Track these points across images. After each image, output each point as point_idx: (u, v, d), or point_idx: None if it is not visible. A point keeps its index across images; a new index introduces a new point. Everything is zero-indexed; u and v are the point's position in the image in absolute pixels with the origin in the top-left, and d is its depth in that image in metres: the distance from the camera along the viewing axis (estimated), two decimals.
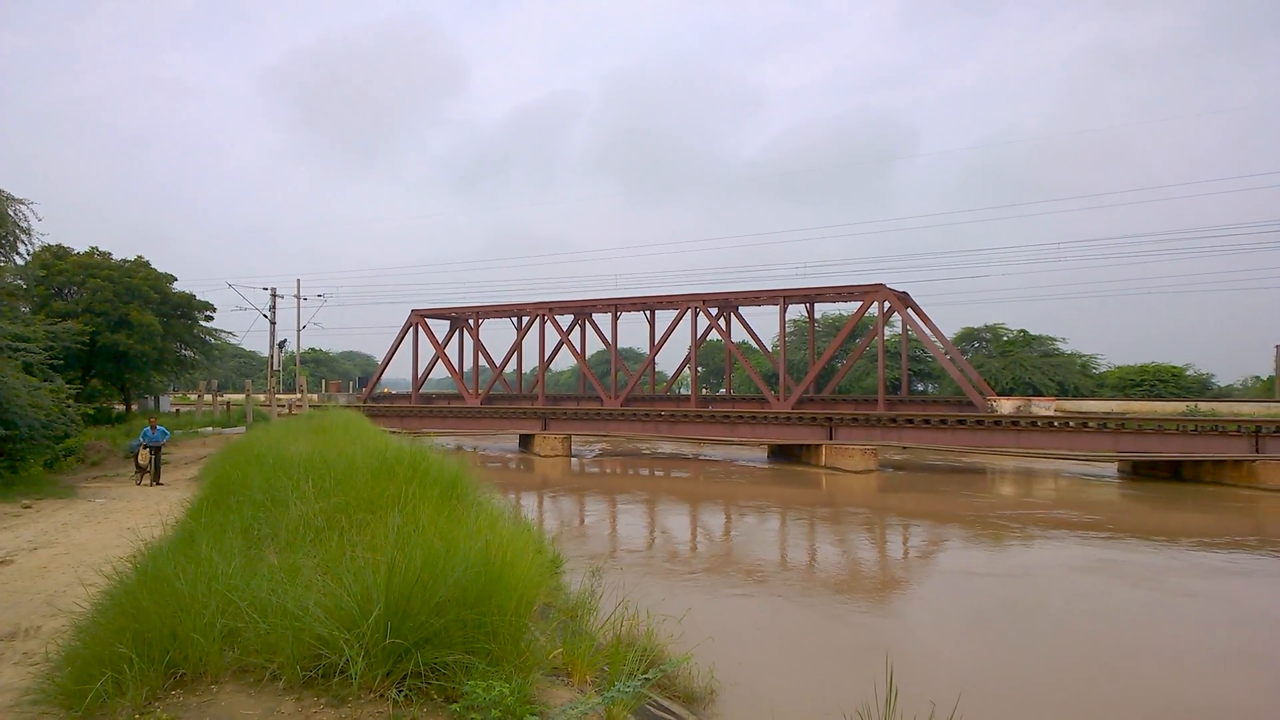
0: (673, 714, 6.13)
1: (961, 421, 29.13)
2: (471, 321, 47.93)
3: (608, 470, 31.09)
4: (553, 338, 45.96)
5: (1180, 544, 16.07)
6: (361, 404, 42.30)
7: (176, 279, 34.40)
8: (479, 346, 47.23)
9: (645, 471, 30.43)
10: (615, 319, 43.62)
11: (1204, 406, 32.45)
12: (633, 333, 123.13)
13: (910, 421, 29.79)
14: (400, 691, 4.47)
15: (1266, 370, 43.23)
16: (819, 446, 29.97)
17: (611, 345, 43.85)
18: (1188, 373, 46.35)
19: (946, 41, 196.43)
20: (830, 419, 30.83)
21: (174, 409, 38.78)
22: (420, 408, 41.65)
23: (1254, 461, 23.72)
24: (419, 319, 47.00)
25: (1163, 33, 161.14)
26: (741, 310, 45.30)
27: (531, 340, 48.24)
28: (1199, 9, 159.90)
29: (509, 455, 35.38)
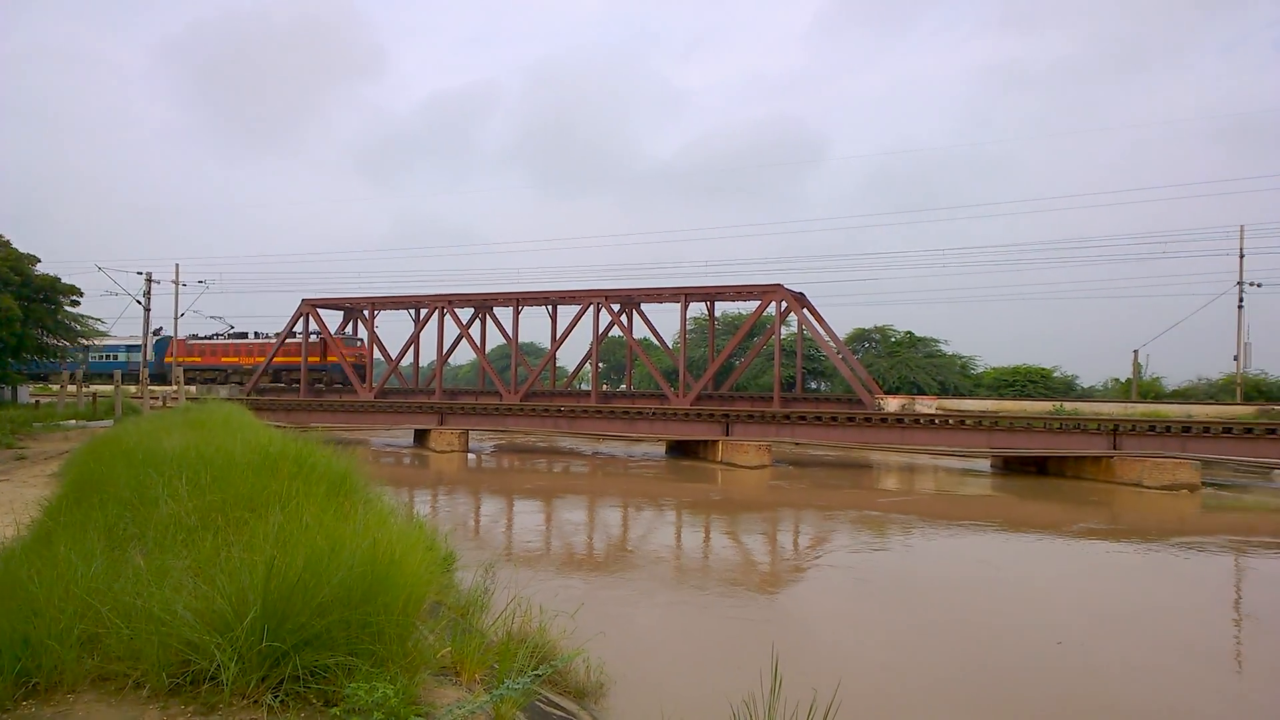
0: (563, 709, 6.12)
1: (851, 419, 30.12)
2: (367, 312, 46.59)
3: (505, 466, 30.79)
4: (452, 331, 45.14)
5: (1048, 533, 17.05)
6: (245, 397, 40.55)
7: (40, 260, 32.17)
8: (374, 338, 45.95)
9: (544, 467, 30.27)
10: (517, 313, 43.18)
11: (1069, 406, 34.47)
12: (535, 328, 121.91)
13: (803, 419, 30.61)
14: (276, 696, 4.30)
15: (1125, 373, 46.29)
16: (716, 442, 30.45)
17: (512, 340, 43.40)
18: (1055, 374, 49.19)
19: (855, 51, 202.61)
20: (727, 416, 31.37)
21: (33, 400, 36.22)
22: (309, 401, 40.24)
23: (1112, 458, 25.37)
24: (310, 309, 45.37)
25: (1053, 54, 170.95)
26: (644, 307, 45.51)
27: (430, 333, 47.40)
28: (1087, 33, 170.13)
29: (404, 450, 34.59)
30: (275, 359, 47.09)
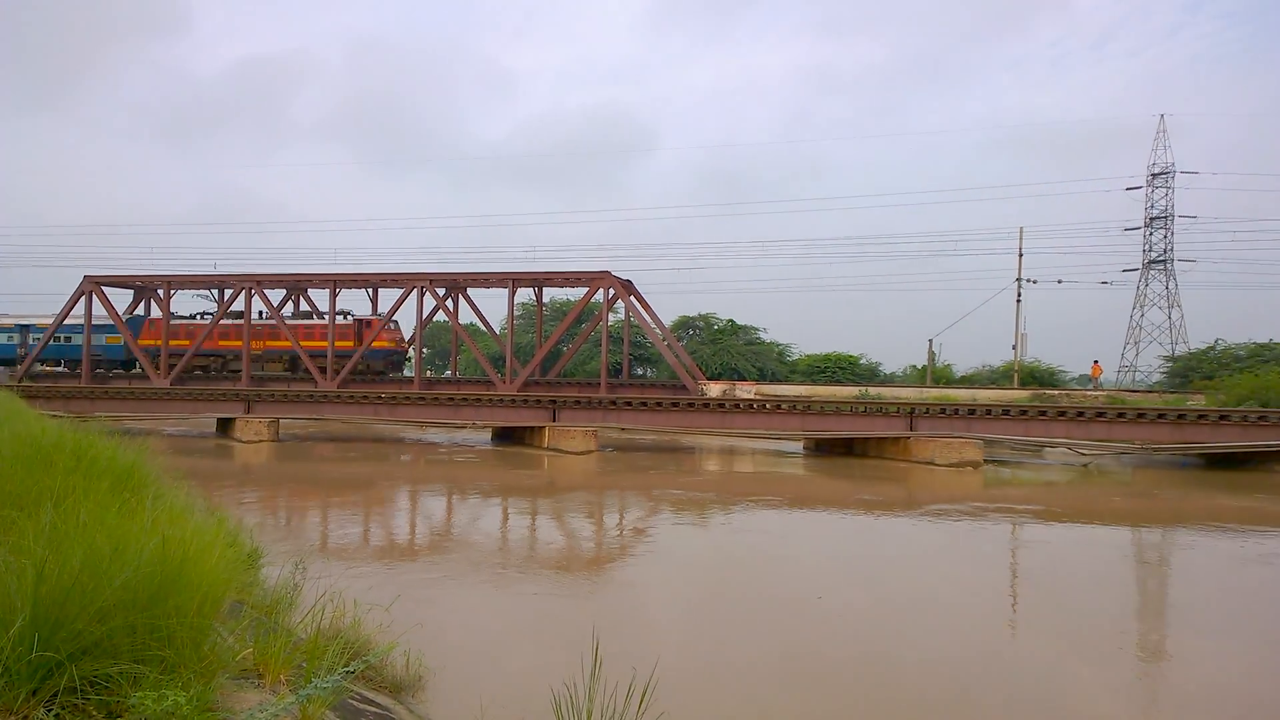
0: (377, 705, 5.93)
1: (675, 404, 30.96)
2: (161, 292, 42.98)
3: (321, 456, 29.39)
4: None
5: (851, 509, 18.27)
6: (16, 384, 36.42)
7: None
8: (168, 320, 42.46)
9: (362, 456, 29.15)
10: (334, 295, 41.18)
11: (873, 391, 37.01)
12: (356, 312, 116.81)
13: (629, 404, 31.15)
14: (50, 710, 3.91)
15: (922, 360, 50.19)
16: (542, 429, 30.41)
17: (329, 323, 41.38)
18: (861, 361, 52.68)
19: (685, 43, 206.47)
20: (554, 401, 31.39)
21: None
22: (92, 388, 36.71)
23: (909, 438, 27.50)
24: (93, 286, 41.34)
25: (864, 60, 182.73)
26: (471, 292, 44.69)
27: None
28: (893, 42, 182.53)
29: (206, 441, 32.26)
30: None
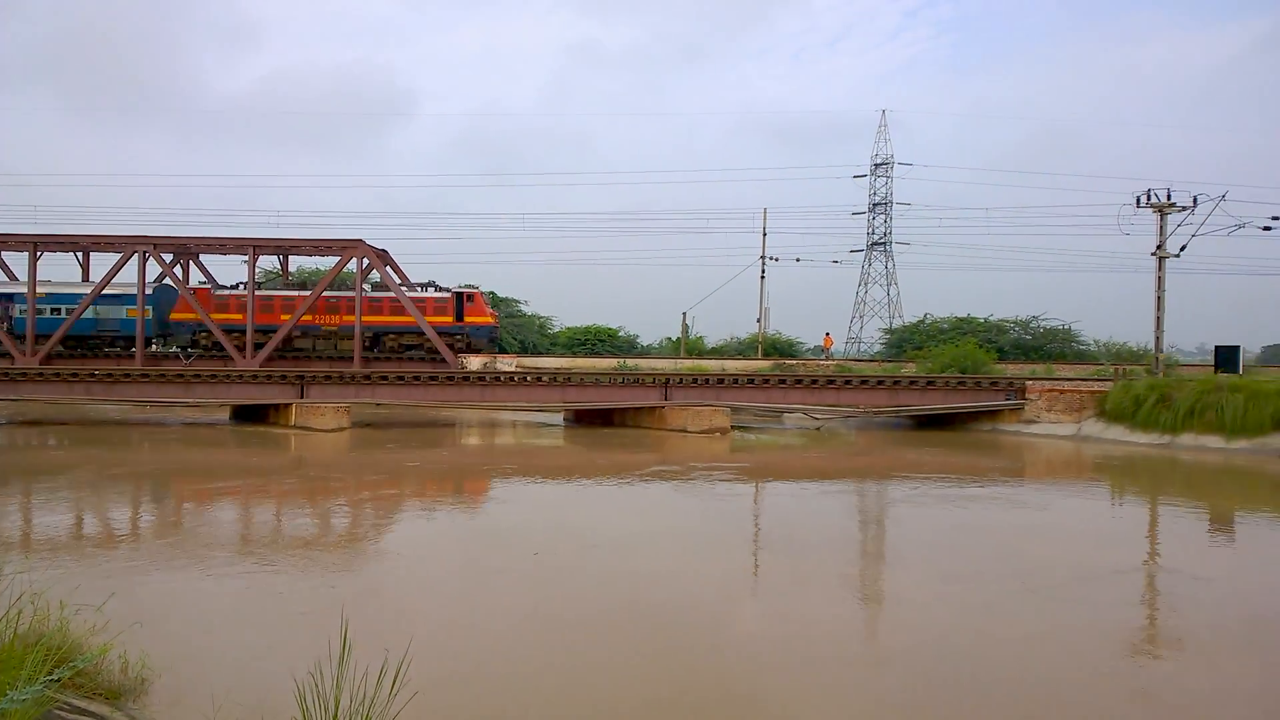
0: (90, 714, 5.36)
1: (434, 378, 30.27)
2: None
3: (21, 443, 25.77)
4: None
5: (610, 476, 18.87)
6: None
7: None
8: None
9: (71, 441, 25.89)
10: (34, 259, 36.02)
11: (630, 363, 38.26)
12: (68, 277, 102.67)
13: (385, 379, 30.03)
14: None
15: (677, 333, 52.55)
16: (289, 406, 28.54)
17: (30, 290, 36.18)
18: (620, 334, 54.24)
19: (448, 4, 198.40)
20: (302, 377, 29.58)
21: None
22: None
23: (664, 407, 28.77)
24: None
25: (626, 38, 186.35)
26: (205, 259, 40.96)
27: None
28: (653, 24, 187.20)
29: None
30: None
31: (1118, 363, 37.63)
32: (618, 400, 29.70)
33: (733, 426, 28.50)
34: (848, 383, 30.49)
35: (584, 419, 30.83)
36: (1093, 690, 6.90)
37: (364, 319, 38.72)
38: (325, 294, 39.67)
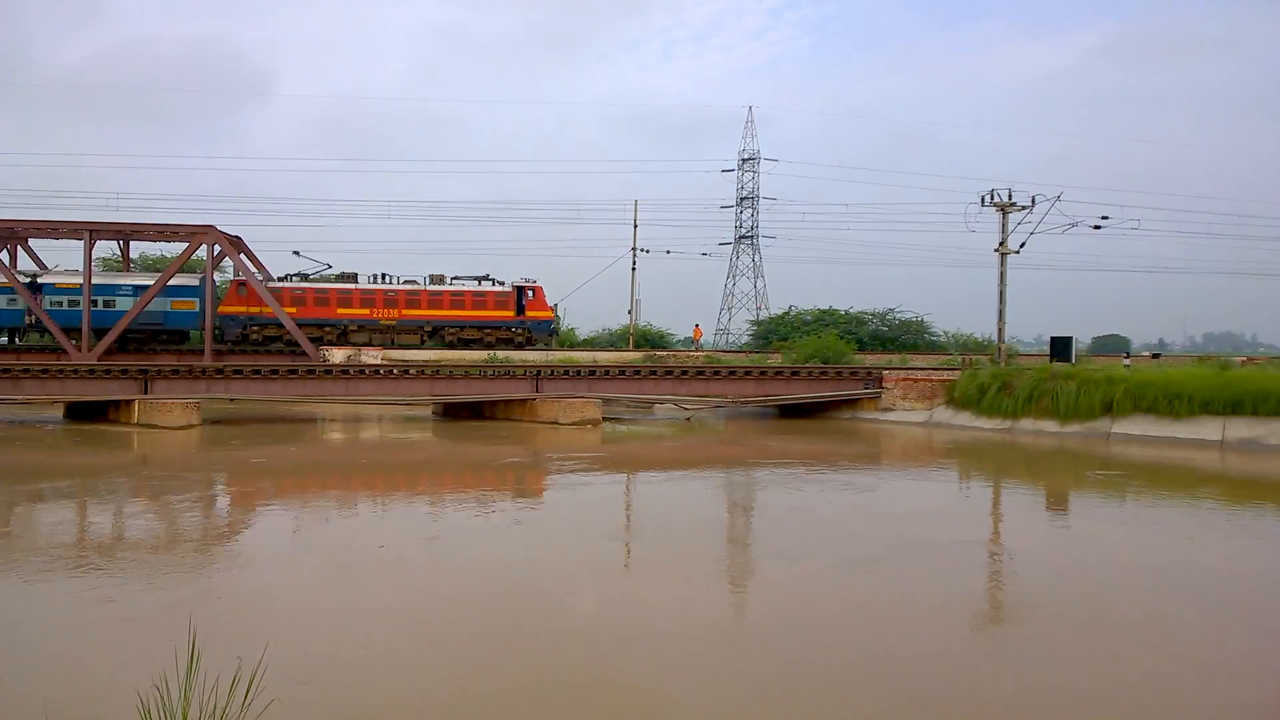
0: None
1: (294, 371, 28.94)
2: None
3: None
4: None
5: (478, 469, 18.59)
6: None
7: None
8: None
9: None
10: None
11: (501, 355, 37.77)
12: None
13: (239, 372, 28.51)
14: None
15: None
16: (132, 402, 26.64)
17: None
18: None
19: None
20: (146, 371, 27.67)
21: None
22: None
23: (535, 399, 28.57)
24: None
25: (495, 26, 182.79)
26: (35, 244, 37.76)
27: None
28: (523, 15, 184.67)
29: None
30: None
31: (965, 353, 40.04)
32: (488, 393, 29.28)
33: (604, 418, 28.61)
34: (716, 374, 31.16)
35: (454, 413, 30.21)
36: (915, 655, 7.32)
37: (424, 312, 39.75)
38: (383, 288, 39.58)
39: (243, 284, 38.27)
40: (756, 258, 65.46)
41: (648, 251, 52.15)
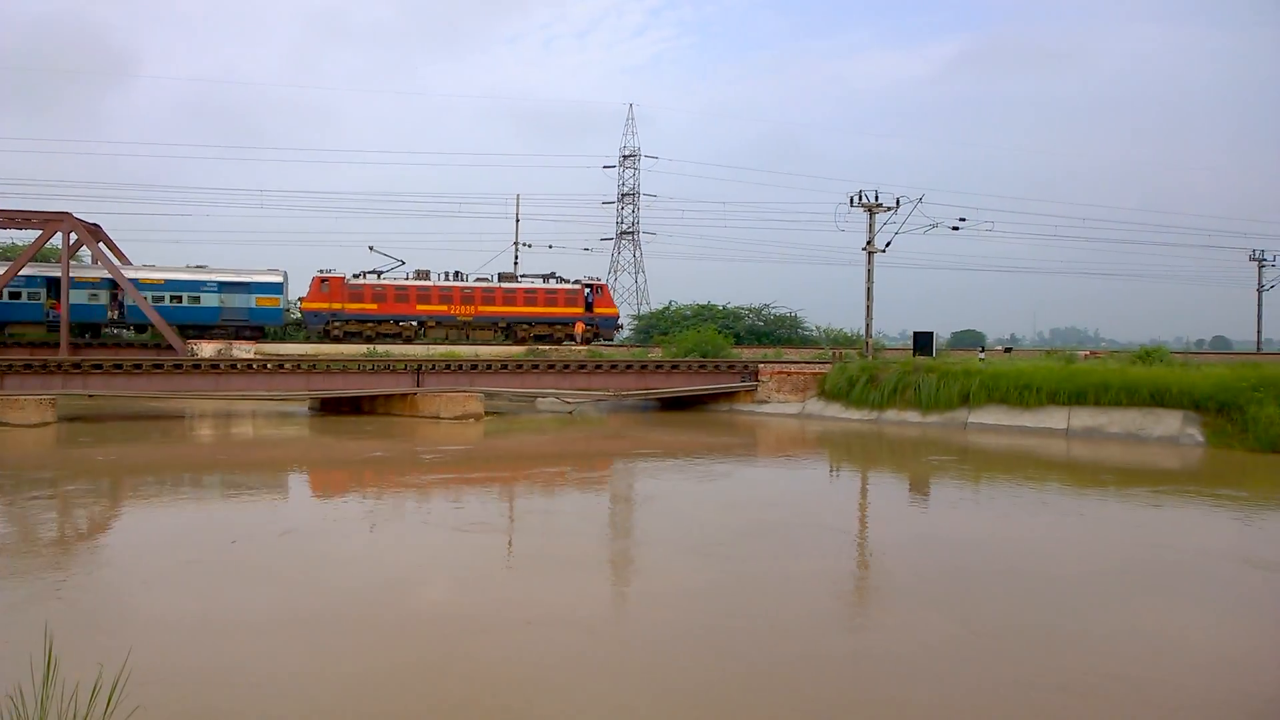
0: None
1: (159, 366, 27.71)
2: None
3: None
4: None
5: (346, 465, 18.38)
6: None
7: None
8: None
9: None
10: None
11: (381, 349, 37.12)
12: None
13: (99, 367, 27.08)
14: None
15: None
16: None
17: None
18: None
19: None
20: None
21: None
22: None
23: (416, 394, 28.32)
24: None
25: (373, 15, 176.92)
26: None
27: None
28: (403, 4, 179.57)
29: None
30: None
31: (836, 347, 41.89)
32: (368, 388, 28.82)
33: (487, 412, 28.63)
34: (598, 367, 31.60)
35: (332, 408, 29.59)
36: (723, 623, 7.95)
37: (499, 309, 41.88)
38: (460, 285, 41.51)
39: (325, 280, 40.21)
40: (637, 253, 66.27)
41: (530, 246, 52.22)
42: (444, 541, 11.74)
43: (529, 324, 42.37)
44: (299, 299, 42.56)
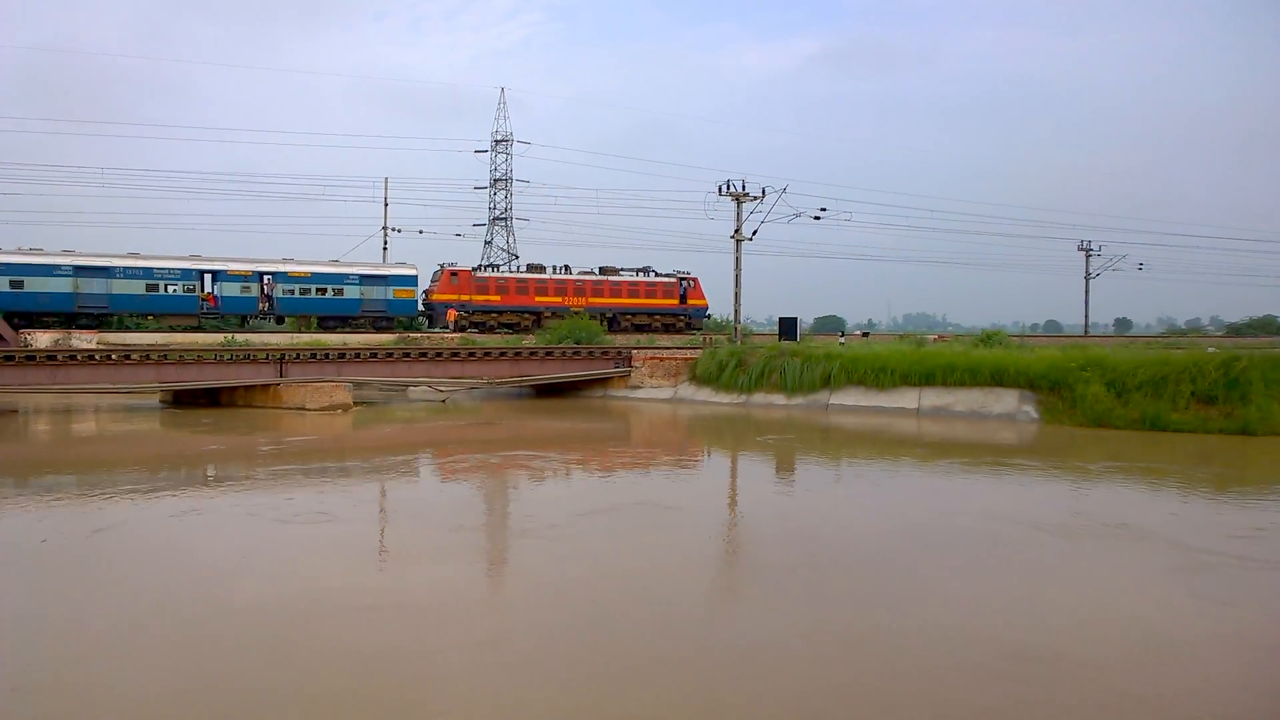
0: None
1: None
2: None
3: None
4: None
5: (189, 465, 17.61)
6: None
7: None
8: None
9: None
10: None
11: (240, 338, 35.43)
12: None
13: None
14: None
15: None
16: None
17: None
18: None
19: None
20: None
21: None
22: None
23: (279, 385, 27.22)
24: None
25: None
26: None
27: None
28: None
29: None
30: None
31: (707, 333, 42.88)
32: (226, 379, 27.48)
33: (356, 403, 27.85)
34: (471, 355, 31.25)
35: (186, 401, 28.04)
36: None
37: (605, 300, 45.50)
38: (573, 278, 45.38)
39: (455, 274, 43.15)
40: (511, 239, 65.62)
41: (400, 231, 50.94)
42: (271, 534, 11.50)
43: (631, 314, 45.91)
44: (423, 291, 44.55)
